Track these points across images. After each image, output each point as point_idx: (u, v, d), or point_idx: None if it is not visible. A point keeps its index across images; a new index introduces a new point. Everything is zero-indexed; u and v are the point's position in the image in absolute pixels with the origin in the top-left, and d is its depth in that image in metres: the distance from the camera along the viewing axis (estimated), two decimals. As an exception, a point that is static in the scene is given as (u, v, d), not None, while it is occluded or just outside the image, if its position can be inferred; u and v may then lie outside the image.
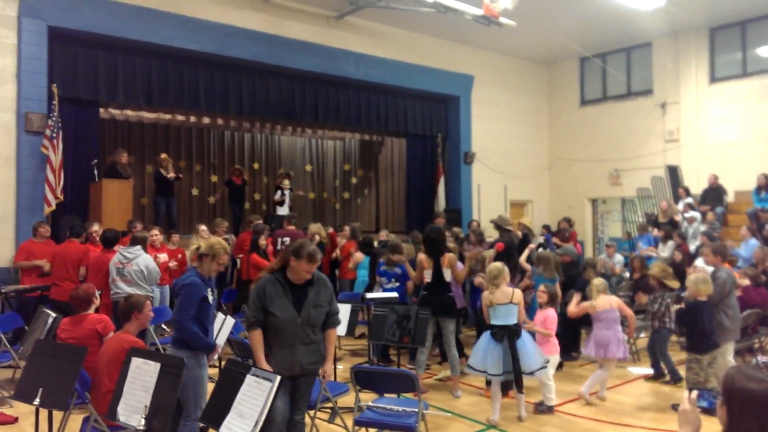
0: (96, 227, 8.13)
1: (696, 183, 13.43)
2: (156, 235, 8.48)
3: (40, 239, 8.25)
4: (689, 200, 12.66)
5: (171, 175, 11.14)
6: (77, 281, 7.30)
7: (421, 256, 6.79)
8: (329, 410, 5.50)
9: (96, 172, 9.57)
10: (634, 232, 13.22)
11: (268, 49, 11.34)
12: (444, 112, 14.83)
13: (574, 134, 16.15)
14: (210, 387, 3.95)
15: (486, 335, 5.67)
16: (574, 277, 8.11)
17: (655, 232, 11.75)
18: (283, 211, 12.30)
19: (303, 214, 13.80)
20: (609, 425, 5.61)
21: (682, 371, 6.66)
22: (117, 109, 11.21)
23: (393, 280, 7.81)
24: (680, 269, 8.76)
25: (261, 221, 9.98)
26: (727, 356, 6.29)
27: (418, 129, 14.28)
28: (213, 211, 13.77)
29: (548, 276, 7.27)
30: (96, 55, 9.85)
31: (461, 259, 7.54)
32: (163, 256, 8.47)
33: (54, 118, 8.87)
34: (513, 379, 5.51)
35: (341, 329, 5.92)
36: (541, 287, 6.37)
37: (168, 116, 11.98)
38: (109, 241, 7.55)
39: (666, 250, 10.68)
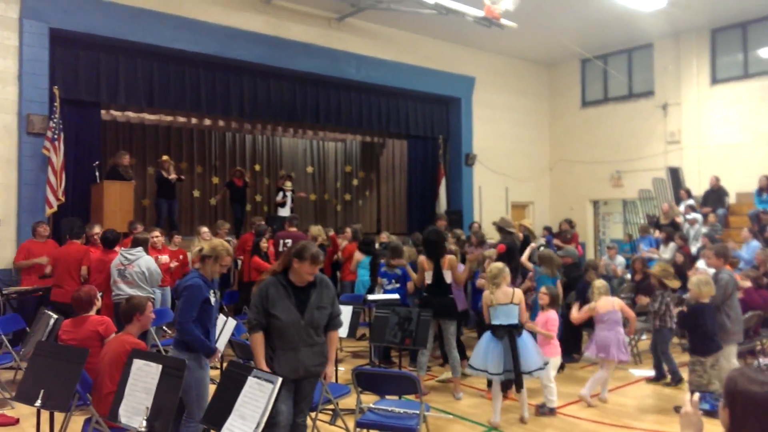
0: (97, 229, 8.14)
1: (697, 185, 13.43)
2: (157, 236, 8.48)
3: (40, 239, 8.27)
4: (691, 202, 12.66)
5: (172, 176, 11.15)
6: (78, 283, 7.31)
7: (422, 258, 6.80)
8: (330, 412, 5.49)
9: (97, 173, 9.58)
10: (635, 233, 13.21)
11: (270, 50, 11.35)
12: (445, 113, 14.83)
13: (575, 136, 16.15)
14: (212, 389, 3.95)
15: (487, 335, 5.66)
16: (575, 278, 8.11)
17: (657, 233, 11.75)
18: (284, 212, 12.31)
19: (304, 215, 13.80)
20: (610, 427, 5.60)
21: (683, 373, 6.67)
22: (118, 111, 11.21)
23: (393, 281, 7.83)
24: (681, 271, 8.75)
25: (263, 222, 9.99)
26: (731, 358, 6.27)
27: (419, 130, 14.28)
28: (214, 213, 13.77)
29: (550, 274, 7.37)
30: (97, 56, 9.86)
31: (463, 261, 7.55)
32: (164, 258, 8.47)
33: (55, 120, 8.88)
34: (513, 378, 5.50)
35: (343, 331, 5.93)
36: (543, 289, 6.37)
37: (169, 118, 11.99)
38: (109, 241, 7.56)
39: (667, 252, 10.67)
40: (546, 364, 5.67)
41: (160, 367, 3.54)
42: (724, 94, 13.56)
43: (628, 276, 10.15)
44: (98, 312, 5.31)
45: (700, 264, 8.90)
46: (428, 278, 6.69)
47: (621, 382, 7.00)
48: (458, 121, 14.67)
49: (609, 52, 15.31)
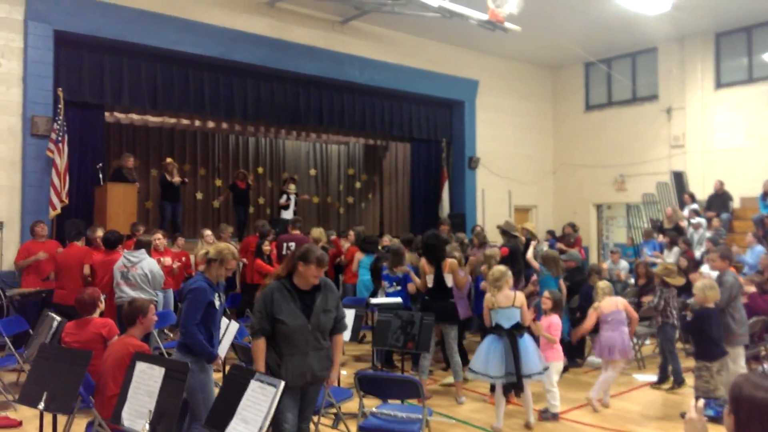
0: (99, 233, 8.15)
1: (701, 189, 13.38)
2: (159, 239, 8.49)
3: (39, 239, 8.30)
4: (695, 206, 12.61)
5: (176, 179, 11.17)
6: (81, 285, 7.32)
7: (423, 262, 6.79)
8: (333, 416, 5.48)
9: (101, 175, 9.60)
10: (638, 238, 13.17)
11: (273, 53, 11.36)
12: (449, 116, 14.83)
13: (578, 139, 16.13)
14: (215, 392, 3.95)
15: (488, 338, 5.65)
16: (578, 283, 8.10)
17: (661, 238, 11.72)
18: (287, 215, 12.31)
19: (307, 218, 13.80)
20: (614, 432, 5.59)
21: (688, 378, 6.64)
22: (122, 113, 11.24)
23: (395, 283, 7.81)
24: (685, 275, 8.72)
25: (267, 224, 9.99)
26: (738, 360, 6.24)
27: (422, 134, 14.27)
28: (217, 215, 13.78)
29: (554, 274, 7.44)
30: (101, 59, 9.88)
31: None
32: (166, 260, 8.48)
33: (59, 122, 8.90)
34: (515, 382, 5.48)
35: (346, 335, 5.91)
36: (546, 293, 6.35)
37: (173, 120, 12.02)
38: (110, 242, 7.58)
39: (671, 257, 10.64)
40: (546, 369, 5.65)
41: (163, 370, 3.53)
42: (729, 98, 13.52)
43: (632, 280, 10.13)
44: (101, 314, 5.31)
45: (704, 269, 8.86)
46: (429, 282, 6.68)
47: (625, 387, 6.98)
48: (461, 125, 14.65)
49: (613, 56, 15.28)
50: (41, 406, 3.81)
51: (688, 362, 7.01)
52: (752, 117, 13.12)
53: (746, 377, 1.99)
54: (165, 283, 7.79)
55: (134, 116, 11.50)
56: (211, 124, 12.55)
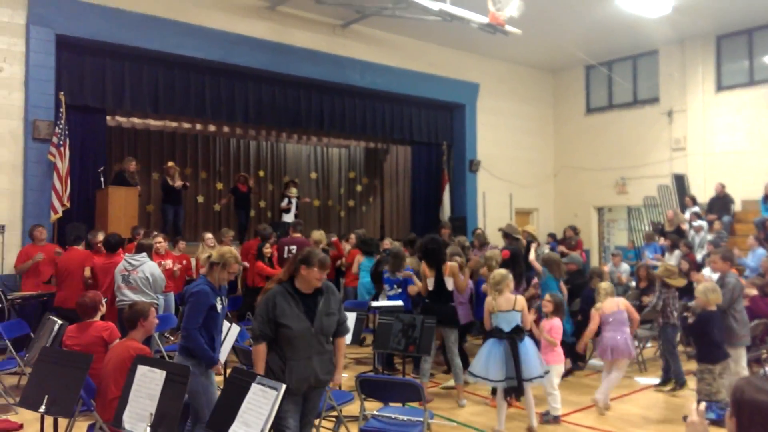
0: (100, 237, 8.14)
1: (703, 192, 13.37)
2: (160, 242, 8.49)
3: (38, 242, 8.32)
4: (696, 209, 12.61)
5: (178, 183, 11.18)
6: (82, 288, 7.32)
7: (423, 266, 6.79)
8: (334, 419, 5.47)
9: (102, 179, 9.60)
10: (639, 241, 13.16)
11: (274, 57, 11.38)
12: (449, 120, 14.84)
13: (579, 142, 16.13)
14: (217, 395, 3.94)
15: (489, 342, 5.64)
16: (580, 285, 8.10)
17: (662, 241, 11.71)
18: (288, 218, 12.31)
19: (308, 221, 13.82)
20: (616, 436, 5.58)
21: (689, 379, 6.63)
22: (124, 117, 11.25)
23: (395, 286, 7.81)
24: (687, 278, 8.71)
25: (269, 227, 9.99)
26: (740, 362, 6.23)
27: (423, 137, 14.28)
28: (218, 219, 13.80)
29: (555, 277, 7.47)
30: (103, 62, 9.90)
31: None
32: (167, 263, 8.48)
33: (61, 126, 8.92)
34: (515, 385, 5.47)
35: (347, 338, 5.90)
36: (547, 296, 6.35)
37: (174, 124, 12.02)
38: (111, 245, 7.58)
39: (672, 260, 10.62)
40: (547, 372, 5.64)
41: (164, 373, 3.53)
42: (730, 100, 13.53)
43: (633, 283, 10.11)
44: (102, 318, 5.31)
45: (706, 272, 8.85)
46: (429, 285, 6.68)
47: (626, 390, 6.97)
48: (462, 128, 14.66)
49: (614, 59, 15.30)
50: (42, 409, 3.81)
51: (689, 365, 6.99)
52: (753, 120, 13.12)
53: (748, 380, 1.99)
54: (166, 286, 7.79)
55: (136, 120, 11.51)
56: (212, 128, 12.57)
